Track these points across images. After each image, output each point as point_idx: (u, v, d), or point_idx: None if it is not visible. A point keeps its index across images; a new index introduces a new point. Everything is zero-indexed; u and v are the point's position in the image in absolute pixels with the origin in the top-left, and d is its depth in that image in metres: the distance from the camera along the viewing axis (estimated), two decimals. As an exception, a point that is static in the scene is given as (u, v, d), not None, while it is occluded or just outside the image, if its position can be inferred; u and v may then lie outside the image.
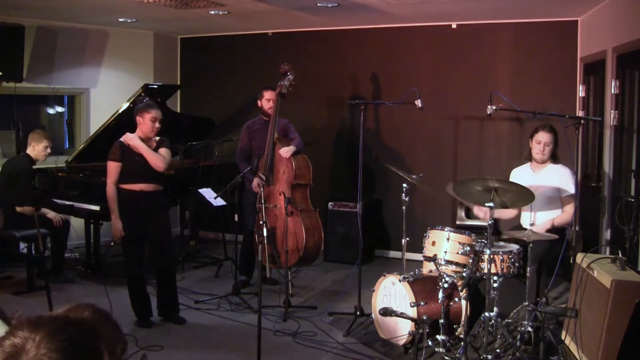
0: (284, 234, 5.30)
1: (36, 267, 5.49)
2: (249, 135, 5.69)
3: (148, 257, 4.86)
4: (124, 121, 6.09)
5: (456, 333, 4.25)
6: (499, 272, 4.04)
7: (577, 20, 6.22)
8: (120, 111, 6.06)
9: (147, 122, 4.59)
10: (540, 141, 4.56)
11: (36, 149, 5.66)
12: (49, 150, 5.75)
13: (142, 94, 6.04)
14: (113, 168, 4.60)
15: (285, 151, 5.41)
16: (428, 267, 4.41)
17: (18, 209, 5.47)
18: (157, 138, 4.74)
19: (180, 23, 7.03)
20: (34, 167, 5.78)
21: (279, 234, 5.32)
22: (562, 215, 4.55)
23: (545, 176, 4.59)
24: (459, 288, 4.17)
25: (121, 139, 4.65)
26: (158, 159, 4.60)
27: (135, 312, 4.75)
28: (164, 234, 4.81)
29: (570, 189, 4.50)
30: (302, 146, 5.63)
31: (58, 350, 1.23)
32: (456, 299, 4.19)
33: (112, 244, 4.76)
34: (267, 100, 5.60)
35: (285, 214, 5.32)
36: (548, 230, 4.36)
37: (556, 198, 4.56)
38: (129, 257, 4.74)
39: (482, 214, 4.65)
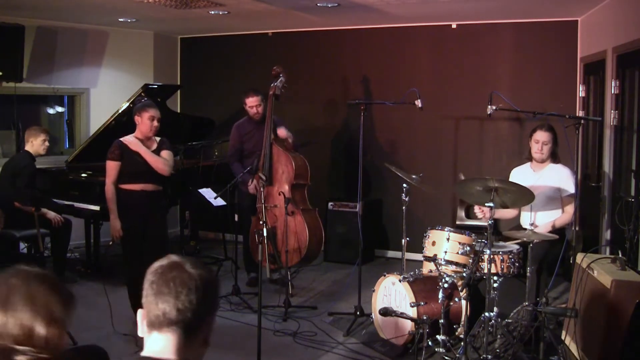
0: (284, 234, 5.31)
1: (36, 266, 5.48)
2: (240, 138, 5.70)
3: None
4: (124, 121, 6.09)
5: (456, 333, 4.25)
6: (499, 272, 4.04)
7: (577, 20, 6.22)
8: (120, 111, 6.06)
9: (145, 121, 4.57)
10: (539, 140, 4.57)
11: (35, 143, 5.66)
12: (47, 143, 5.74)
13: (142, 94, 6.05)
14: (112, 168, 4.57)
15: (284, 132, 5.46)
16: (428, 267, 4.41)
17: (17, 205, 5.45)
18: (158, 139, 4.73)
19: (180, 23, 7.03)
20: (36, 164, 5.78)
21: (280, 234, 5.32)
22: (563, 215, 4.55)
23: (546, 176, 4.59)
24: (459, 288, 4.17)
25: (120, 139, 4.63)
26: (162, 163, 4.60)
27: (135, 312, 4.74)
28: (163, 233, 4.81)
29: (571, 188, 4.50)
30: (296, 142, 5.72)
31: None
32: (456, 299, 4.19)
33: (110, 243, 4.73)
34: (250, 108, 5.65)
35: (285, 214, 5.33)
36: (549, 232, 4.36)
37: (556, 198, 4.57)
38: (129, 257, 4.71)
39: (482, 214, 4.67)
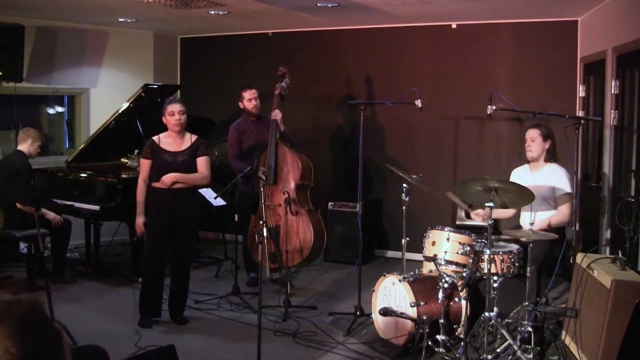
0: (286, 233, 5.32)
1: (36, 267, 5.48)
2: (239, 137, 5.71)
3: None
4: (124, 121, 6.10)
5: (456, 333, 4.25)
6: (499, 272, 4.04)
7: (577, 20, 6.22)
8: (120, 111, 6.07)
9: (167, 117, 4.66)
10: (527, 138, 4.60)
11: (29, 144, 5.68)
12: (39, 149, 5.79)
13: (142, 94, 6.05)
14: (143, 165, 4.71)
15: (277, 112, 5.53)
16: (428, 267, 4.41)
17: (18, 205, 5.46)
18: (194, 137, 4.77)
19: (180, 23, 7.03)
20: (32, 165, 5.79)
21: (283, 233, 5.33)
22: (557, 214, 4.51)
23: (542, 176, 4.59)
24: (459, 288, 4.17)
25: (153, 138, 4.72)
26: (200, 180, 4.76)
27: (140, 311, 4.73)
28: (189, 232, 4.85)
29: (565, 188, 4.47)
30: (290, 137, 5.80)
31: (12, 334, 1.16)
32: (456, 299, 4.19)
33: (135, 239, 4.89)
34: (249, 100, 5.68)
35: (286, 213, 5.33)
36: (546, 230, 4.36)
37: (552, 197, 4.56)
38: (151, 253, 4.71)
39: (480, 219, 4.69)
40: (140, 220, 4.67)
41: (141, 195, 4.69)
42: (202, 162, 4.76)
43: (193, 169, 4.74)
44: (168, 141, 4.71)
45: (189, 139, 4.76)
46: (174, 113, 4.64)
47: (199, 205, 4.99)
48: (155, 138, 4.72)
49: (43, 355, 1.21)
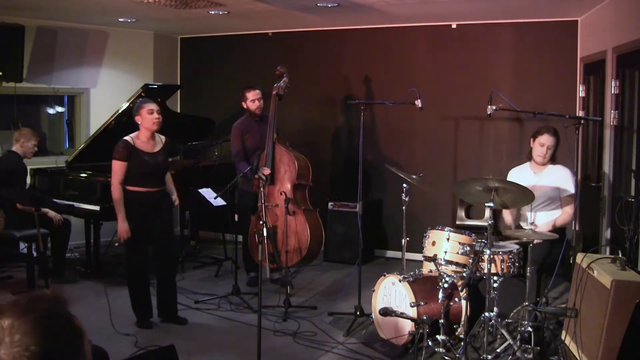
0: (285, 234, 5.32)
1: (39, 266, 5.47)
2: (242, 137, 5.71)
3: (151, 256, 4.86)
4: (124, 121, 6.09)
5: (456, 333, 4.25)
6: (499, 272, 4.04)
7: (577, 20, 6.22)
8: (120, 111, 6.06)
9: (145, 116, 4.54)
10: (544, 144, 4.55)
11: (25, 146, 5.72)
12: (36, 148, 5.84)
13: (142, 94, 6.04)
14: (119, 167, 4.50)
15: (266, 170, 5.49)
16: (428, 267, 4.41)
17: (19, 206, 5.47)
18: (163, 138, 4.73)
19: (180, 23, 7.03)
20: (31, 165, 5.81)
21: (280, 234, 5.33)
22: (562, 215, 4.57)
23: (547, 177, 4.60)
24: (459, 288, 4.17)
25: (126, 138, 4.57)
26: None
27: (135, 313, 4.73)
28: (168, 233, 4.81)
29: (570, 189, 4.51)
30: None
31: (32, 330, 1.14)
32: (456, 299, 4.19)
33: (116, 244, 4.78)
34: (253, 101, 5.67)
35: (286, 214, 5.33)
36: (550, 231, 4.37)
37: (556, 198, 4.57)
38: (133, 257, 4.69)
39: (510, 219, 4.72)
40: (126, 225, 4.49)
41: (122, 198, 4.51)
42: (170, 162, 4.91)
43: (167, 168, 4.78)
44: (142, 142, 4.59)
45: (159, 139, 4.71)
46: (153, 111, 4.54)
47: (172, 204, 5.00)
48: (128, 139, 4.54)
49: (63, 353, 1.19)
